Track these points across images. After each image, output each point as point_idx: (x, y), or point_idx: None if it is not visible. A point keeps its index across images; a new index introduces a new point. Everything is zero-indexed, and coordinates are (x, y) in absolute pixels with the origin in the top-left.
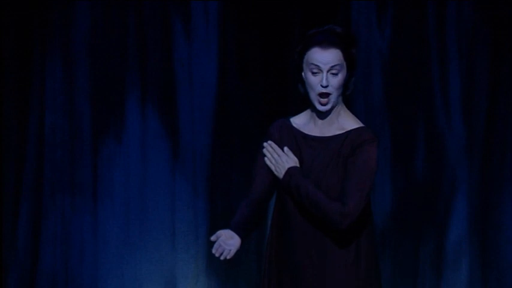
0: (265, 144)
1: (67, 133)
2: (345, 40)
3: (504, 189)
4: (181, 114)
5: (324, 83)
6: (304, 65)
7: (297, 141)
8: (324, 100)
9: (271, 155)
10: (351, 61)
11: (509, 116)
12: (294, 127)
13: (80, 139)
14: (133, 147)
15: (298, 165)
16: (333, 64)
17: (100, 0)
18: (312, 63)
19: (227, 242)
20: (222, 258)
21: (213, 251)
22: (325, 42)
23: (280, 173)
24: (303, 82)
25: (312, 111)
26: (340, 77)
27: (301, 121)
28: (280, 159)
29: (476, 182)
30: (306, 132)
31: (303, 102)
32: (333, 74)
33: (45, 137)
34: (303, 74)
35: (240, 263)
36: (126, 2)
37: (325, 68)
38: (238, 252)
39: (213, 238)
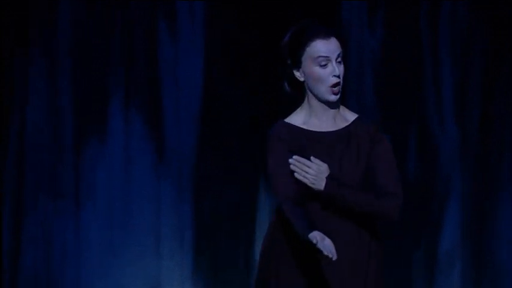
0: (291, 161)
1: (49, 134)
2: (335, 29)
3: (498, 193)
4: (166, 115)
5: (337, 72)
6: (307, 61)
7: (307, 140)
8: (336, 89)
9: (301, 169)
10: (344, 48)
11: (503, 118)
12: (297, 126)
13: (62, 140)
14: (117, 149)
15: (329, 170)
16: (338, 52)
17: None
18: (320, 56)
19: (324, 243)
20: (334, 258)
21: (325, 253)
22: (324, 33)
23: (319, 184)
24: (295, 81)
25: (311, 107)
26: (342, 65)
27: (300, 120)
28: (313, 171)
29: (470, 185)
30: (314, 129)
31: (295, 102)
32: (339, 62)
33: (27, 138)
34: (298, 72)
35: (226, 270)
36: (110, 1)
37: (333, 57)
38: (226, 257)
39: (314, 241)
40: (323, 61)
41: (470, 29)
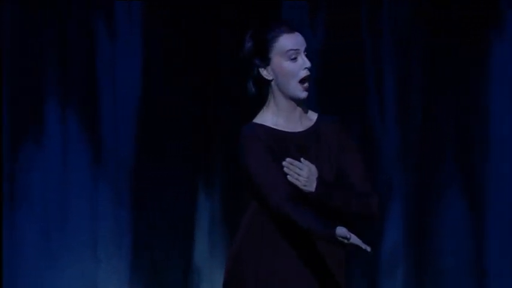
0: (285, 164)
1: None
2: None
3: (440, 194)
4: (103, 117)
5: (308, 64)
6: (276, 57)
7: (282, 142)
8: (306, 85)
9: (293, 171)
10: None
11: (445, 120)
12: (269, 127)
13: None
14: (53, 151)
15: (317, 172)
16: (305, 45)
17: None
18: (290, 49)
19: (353, 236)
20: (371, 251)
21: (363, 247)
22: (289, 27)
23: (310, 186)
24: (261, 81)
25: (278, 107)
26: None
27: (269, 121)
28: (305, 173)
29: (412, 187)
30: (284, 129)
31: (258, 103)
32: (306, 56)
33: None
34: (265, 70)
35: (165, 273)
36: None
37: (302, 49)
38: (165, 261)
39: (348, 236)
40: (293, 54)
41: (412, 30)
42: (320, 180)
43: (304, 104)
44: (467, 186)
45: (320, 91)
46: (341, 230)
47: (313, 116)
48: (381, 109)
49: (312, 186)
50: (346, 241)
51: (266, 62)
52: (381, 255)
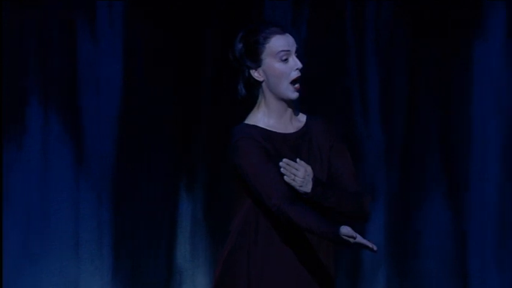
0: (282, 164)
1: None
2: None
3: (423, 197)
4: (85, 118)
5: (299, 65)
6: (267, 58)
7: (276, 143)
8: (297, 86)
9: (290, 172)
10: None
11: (428, 122)
12: (263, 128)
13: None
14: (34, 152)
15: (313, 172)
16: (296, 46)
17: None
18: (282, 50)
19: (358, 236)
20: (376, 250)
21: (370, 245)
22: (280, 28)
23: (306, 187)
24: (252, 82)
25: (269, 108)
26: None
27: (261, 122)
28: (301, 174)
29: (395, 189)
30: (277, 131)
31: (241, 104)
32: (296, 57)
33: None
34: (256, 72)
35: (147, 274)
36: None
37: (293, 50)
38: (147, 262)
39: (354, 235)
40: (284, 55)
41: (395, 30)
42: (315, 180)
43: (294, 105)
44: (450, 187)
45: (303, 91)
46: (346, 229)
47: (302, 117)
48: (364, 109)
49: (307, 187)
50: (352, 240)
51: (257, 63)
52: (363, 256)
